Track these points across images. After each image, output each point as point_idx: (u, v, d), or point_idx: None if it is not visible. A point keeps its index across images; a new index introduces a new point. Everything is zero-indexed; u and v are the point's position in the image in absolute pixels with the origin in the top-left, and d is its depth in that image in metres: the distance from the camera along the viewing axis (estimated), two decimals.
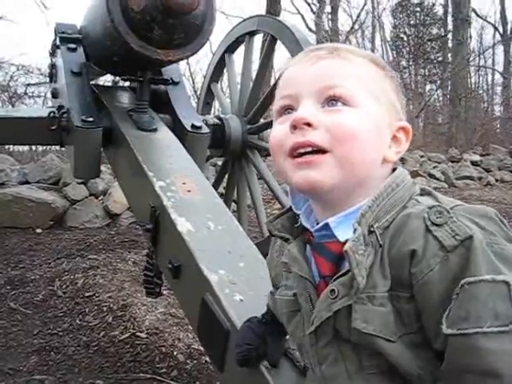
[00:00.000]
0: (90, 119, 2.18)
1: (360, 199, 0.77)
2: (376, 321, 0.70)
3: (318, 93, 0.78)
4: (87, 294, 3.00)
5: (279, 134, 0.80)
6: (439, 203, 0.72)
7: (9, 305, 2.92)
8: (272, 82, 5.26)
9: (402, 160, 9.52)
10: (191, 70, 13.91)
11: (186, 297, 1.57)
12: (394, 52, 22.15)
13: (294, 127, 0.77)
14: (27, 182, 5.44)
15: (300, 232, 0.86)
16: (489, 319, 0.62)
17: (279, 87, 0.85)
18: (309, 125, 0.76)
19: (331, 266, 0.78)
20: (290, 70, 0.84)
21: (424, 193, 0.78)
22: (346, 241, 0.72)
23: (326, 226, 0.78)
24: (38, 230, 4.71)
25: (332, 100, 0.77)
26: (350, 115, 0.76)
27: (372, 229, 0.72)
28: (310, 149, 0.76)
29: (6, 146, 9.39)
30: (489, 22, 20.06)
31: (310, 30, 16.94)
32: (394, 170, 0.82)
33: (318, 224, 0.81)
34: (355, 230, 0.71)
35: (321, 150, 0.75)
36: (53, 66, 2.92)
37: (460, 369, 0.64)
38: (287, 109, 0.82)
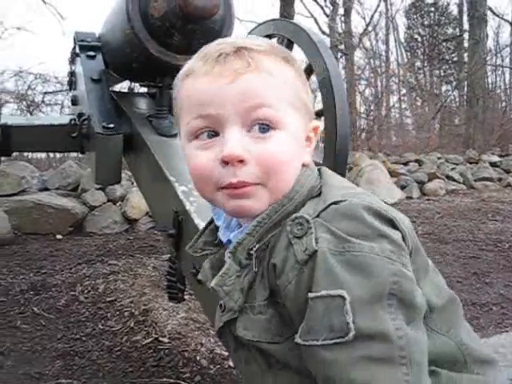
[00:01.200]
0: (111, 126, 2.20)
1: (249, 226, 0.79)
2: (255, 328, 0.76)
3: (244, 116, 0.75)
4: (108, 299, 3.03)
5: (205, 164, 0.77)
6: (303, 214, 0.73)
7: (33, 309, 2.96)
8: None
9: (419, 162, 9.45)
10: None
11: (211, 302, 1.57)
12: (409, 53, 22.02)
13: (226, 163, 0.75)
14: (47, 189, 5.52)
15: (221, 242, 0.89)
16: (324, 332, 0.65)
17: (189, 103, 0.79)
18: (241, 161, 0.74)
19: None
20: (202, 84, 0.77)
21: (317, 192, 0.79)
22: (230, 251, 0.78)
23: (228, 241, 0.83)
24: (58, 236, 4.76)
25: (258, 124, 0.76)
26: (278, 142, 0.76)
27: (251, 252, 0.76)
28: (241, 184, 0.75)
29: (25, 154, 9.55)
30: (506, 20, 19.82)
31: (324, 32, 16.91)
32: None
33: (240, 226, 0.84)
34: (226, 264, 0.77)
35: (254, 184, 0.76)
36: (72, 74, 2.96)
37: (313, 372, 0.69)
38: (206, 129, 0.78)
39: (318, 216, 0.72)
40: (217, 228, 0.91)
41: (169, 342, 2.45)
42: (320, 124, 0.86)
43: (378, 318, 0.65)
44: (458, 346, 0.79)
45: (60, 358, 2.39)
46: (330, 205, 0.73)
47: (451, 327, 0.79)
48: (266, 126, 0.76)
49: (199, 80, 0.77)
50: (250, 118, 0.75)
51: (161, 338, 2.49)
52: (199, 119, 0.78)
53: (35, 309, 2.97)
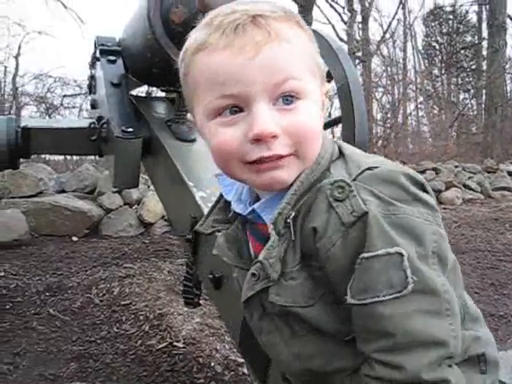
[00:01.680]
0: (130, 129, 2.21)
1: (286, 196, 0.79)
2: (287, 293, 0.78)
3: (270, 91, 0.74)
4: (124, 303, 3.04)
5: (230, 140, 0.75)
6: (342, 178, 0.74)
7: (48, 311, 2.98)
8: None
9: (436, 171, 9.35)
10: None
11: (228, 308, 1.57)
12: (426, 61, 21.88)
13: (258, 140, 0.73)
14: (64, 191, 5.57)
15: (235, 217, 0.89)
16: (384, 289, 0.69)
17: (208, 79, 0.75)
18: (274, 137, 0.74)
19: (261, 247, 0.80)
20: (223, 60, 0.73)
21: (339, 156, 0.80)
22: (272, 223, 0.77)
23: (254, 211, 0.82)
24: (74, 238, 4.80)
25: (283, 96, 0.75)
26: (304, 111, 0.76)
27: (288, 221, 0.76)
28: (274, 158, 0.75)
29: (42, 155, 9.67)
30: None
31: (341, 39, 16.89)
32: None
33: (253, 203, 0.85)
34: (275, 225, 0.76)
35: (284, 156, 0.76)
36: (92, 78, 2.98)
37: (362, 329, 0.73)
38: (230, 108, 0.75)
39: (355, 180, 0.74)
40: (228, 204, 0.91)
41: (183, 347, 2.45)
42: (330, 87, 0.85)
43: (427, 274, 0.70)
44: (462, 305, 0.83)
45: (75, 360, 2.40)
46: (365, 170, 0.74)
47: (457, 287, 0.82)
48: (290, 97, 0.75)
49: (217, 55, 0.73)
50: (276, 92, 0.74)
51: (175, 343, 2.49)
52: (222, 99, 0.75)
53: (51, 310, 2.99)
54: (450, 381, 0.69)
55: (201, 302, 2.03)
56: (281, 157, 0.75)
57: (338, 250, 0.71)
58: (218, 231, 0.91)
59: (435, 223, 0.74)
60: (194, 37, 0.79)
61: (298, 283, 0.77)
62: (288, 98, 0.75)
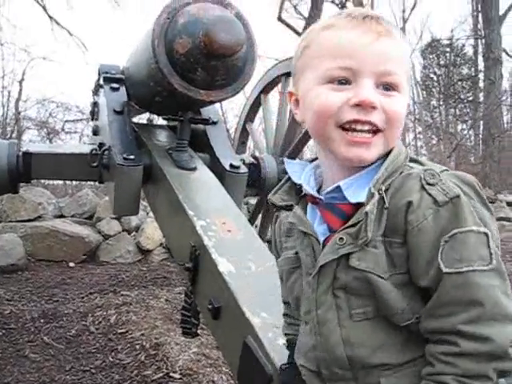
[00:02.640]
0: (131, 157, 2.22)
1: (373, 163, 0.89)
2: (369, 259, 0.84)
3: (378, 76, 0.86)
4: (120, 331, 2.99)
5: (334, 102, 0.86)
6: (430, 167, 0.86)
7: (42, 339, 2.93)
8: None
9: None
10: (223, 109, 14.16)
11: (227, 339, 1.54)
12: (425, 92, 22.17)
13: (358, 105, 0.85)
14: (62, 216, 5.56)
15: (299, 199, 0.98)
16: (477, 260, 0.78)
17: (332, 51, 0.88)
18: (373, 107, 0.85)
19: (342, 222, 0.89)
20: (348, 37, 0.87)
21: (412, 159, 0.92)
22: (357, 203, 0.86)
23: (337, 189, 0.89)
24: (71, 264, 4.77)
25: (387, 85, 0.87)
26: (400, 101, 0.89)
27: (380, 192, 0.85)
28: (367, 127, 0.86)
29: (42, 180, 9.67)
30: None
31: None
32: None
33: (320, 188, 0.95)
34: (373, 195, 0.84)
35: (377, 130, 0.87)
36: (95, 105, 3.01)
37: (451, 300, 0.78)
38: (341, 78, 0.87)
39: (440, 174, 0.85)
40: (296, 186, 0.99)
41: (180, 378, 2.40)
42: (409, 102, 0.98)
43: (500, 258, 0.81)
44: None
45: None
46: (444, 170, 0.87)
47: None
48: (389, 87, 0.88)
49: (345, 33, 0.87)
50: (381, 78, 0.87)
51: (172, 374, 2.44)
52: (339, 69, 0.87)
53: (45, 338, 2.95)
54: None
55: (198, 331, 2.01)
56: (375, 128, 0.86)
57: (429, 224, 0.81)
58: (286, 207, 0.99)
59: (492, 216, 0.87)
60: (320, 22, 0.94)
61: (380, 251, 0.84)
62: (388, 87, 0.88)
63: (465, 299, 0.77)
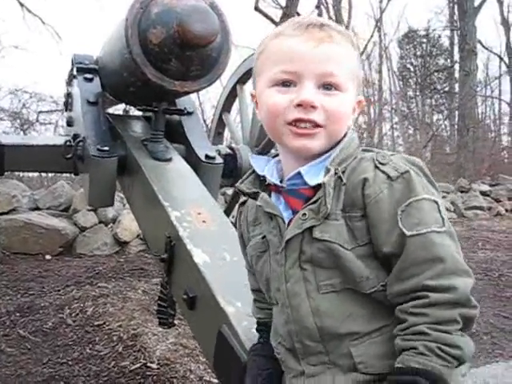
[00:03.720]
0: (106, 148, 2.20)
1: (326, 153, 1.00)
2: (330, 231, 0.93)
3: (319, 77, 0.96)
4: (97, 323, 2.98)
5: (280, 103, 0.98)
6: (381, 152, 0.98)
7: (18, 332, 2.91)
8: None
9: None
10: (200, 99, 14.05)
11: (202, 328, 1.56)
12: (401, 82, 22.37)
13: (300, 105, 0.96)
14: (38, 209, 5.48)
15: (264, 189, 1.07)
16: (433, 223, 0.89)
17: (278, 57, 0.99)
18: (313, 107, 0.96)
19: (303, 203, 0.99)
20: (290, 44, 0.98)
21: (364, 150, 1.02)
22: (316, 185, 0.96)
23: (298, 175, 0.99)
24: (48, 257, 4.71)
25: (328, 85, 0.97)
26: (341, 100, 0.98)
27: (338, 172, 0.96)
28: (309, 125, 0.97)
29: (16, 172, 9.49)
30: (495, 53, 20.26)
31: None
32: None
33: (282, 181, 1.04)
34: (329, 170, 0.95)
35: (318, 126, 0.97)
36: (69, 95, 2.97)
37: (415, 260, 0.87)
38: (286, 82, 0.98)
39: (391, 155, 0.97)
40: (259, 177, 1.08)
41: (157, 368, 2.41)
42: (363, 100, 1.08)
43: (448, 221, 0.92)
44: None
45: (45, 383, 2.34)
46: (393, 154, 0.98)
47: None
48: (330, 86, 0.97)
49: (290, 40, 0.98)
50: (322, 80, 0.97)
51: (149, 364, 2.45)
52: (282, 73, 0.98)
53: (21, 331, 2.92)
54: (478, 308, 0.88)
55: (176, 322, 2.02)
56: (315, 124, 0.96)
57: (384, 196, 0.91)
58: (252, 195, 1.07)
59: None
60: (274, 29, 1.06)
61: (341, 223, 0.94)
62: (328, 87, 0.97)
63: (428, 257, 0.86)
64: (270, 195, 1.05)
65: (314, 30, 0.97)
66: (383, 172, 0.93)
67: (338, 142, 1.00)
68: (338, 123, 0.99)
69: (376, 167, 0.94)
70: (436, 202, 0.92)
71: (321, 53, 0.96)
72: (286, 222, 0.99)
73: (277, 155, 1.10)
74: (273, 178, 1.05)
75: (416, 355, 0.82)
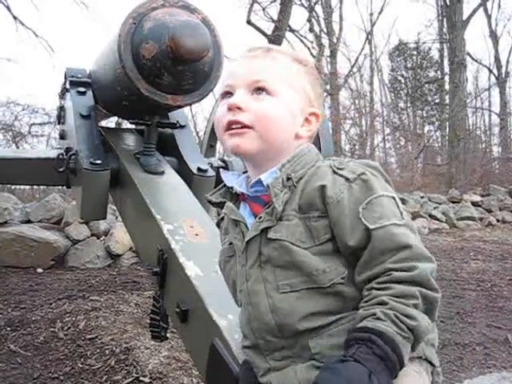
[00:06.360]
0: (98, 162, 2.21)
1: (280, 162, 1.05)
2: (283, 230, 1.00)
3: (249, 85, 1.06)
4: (89, 337, 2.96)
5: (220, 112, 1.09)
6: (337, 159, 1.05)
7: (9, 347, 2.88)
8: None
9: (403, 201, 9.55)
10: (192, 112, 14.09)
11: (194, 341, 1.56)
12: (392, 94, 22.58)
13: (229, 109, 1.06)
14: (29, 221, 5.45)
15: (233, 199, 1.14)
16: (393, 216, 0.95)
17: (224, 77, 1.15)
18: (239, 108, 1.05)
19: (263, 208, 1.05)
20: (233, 66, 1.13)
21: (326, 159, 1.09)
22: (276, 176, 1.03)
23: (259, 182, 1.06)
24: (39, 270, 4.68)
25: (258, 90, 1.06)
26: (270, 103, 1.06)
27: (289, 176, 1.03)
28: (239, 125, 1.05)
29: (8, 185, 9.44)
30: (484, 65, 20.54)
31: None
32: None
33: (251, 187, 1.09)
34: (275, 173, 1.03)
35: (246, 126, 1.04)
36: (61, 109, 2.97)
37: (381, 251, 0.92)
38: (227, 94, 1.09)
39: (348, 161, 1.04)
40: (229, 190, 1.16)
41: (150, 382, 2.40)
42: (320, 114, 1.12)
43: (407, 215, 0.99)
44: None
45: None
46: (349, 161, 1.04)
47: None
48: (260, 91, 1.06)
49: (235, 62, 1.13)
50: (252, 86, 1.06)
51: (142, 378, 2.44)
52: (225, 86, 1.11)
53: (12, 346, 2.89)
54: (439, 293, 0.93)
55: (168, 335, 2.01)
56: (243, 125, 1.04)
57: (345, 196, 0.97)
58: (221, 204, 1.15)
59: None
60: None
61: (293, 223, 1.00)
62: (260, 92, 1.06)
63: (393, 246, 0.92)
64: (239, 205, 1.13)
65: (251, 50, 1.11)
66: (341, 176, 1.00)
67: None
68: (268, 125, 1.05)
69: (334, 172, 1.01)
70: (394, 198, 0.99)
71: (253, 66, 1.08)
72: (250, 226, 1.06)
73: (246, 171, 1.16)
74: (241, 188, 1.12)
75: (374, 320, 0.88)
